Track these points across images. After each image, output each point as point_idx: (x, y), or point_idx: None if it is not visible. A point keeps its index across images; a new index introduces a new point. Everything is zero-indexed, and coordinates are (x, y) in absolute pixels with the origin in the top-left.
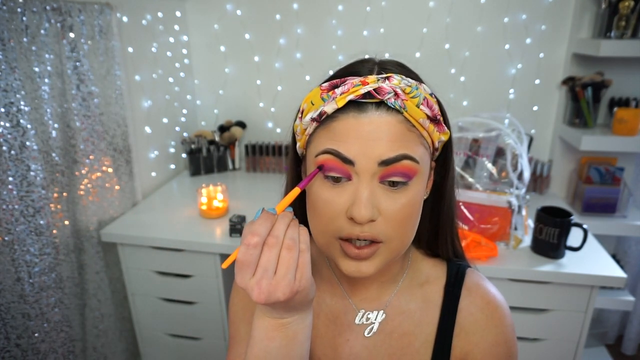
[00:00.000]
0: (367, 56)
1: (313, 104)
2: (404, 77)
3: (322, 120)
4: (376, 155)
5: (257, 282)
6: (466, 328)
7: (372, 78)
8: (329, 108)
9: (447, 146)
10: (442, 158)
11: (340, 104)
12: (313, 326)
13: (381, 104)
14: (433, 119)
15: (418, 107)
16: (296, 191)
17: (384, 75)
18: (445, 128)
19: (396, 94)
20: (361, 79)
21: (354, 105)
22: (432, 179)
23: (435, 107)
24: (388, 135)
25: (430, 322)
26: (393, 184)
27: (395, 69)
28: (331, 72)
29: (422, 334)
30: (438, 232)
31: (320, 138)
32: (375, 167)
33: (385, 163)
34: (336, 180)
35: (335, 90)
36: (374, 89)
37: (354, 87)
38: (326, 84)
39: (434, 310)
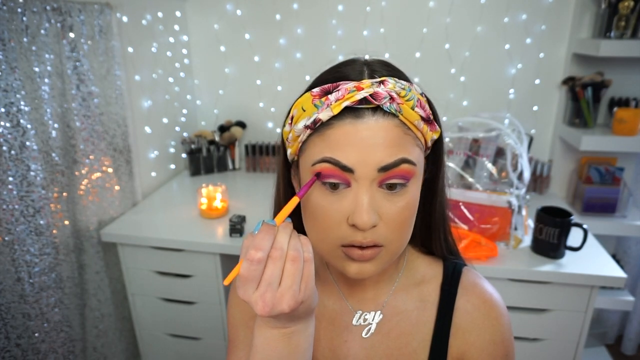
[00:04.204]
0: (352, 56)
1: (304, 110)
2: (397, 79)
3: (317, 127)
4: (375, 162)
5: (261, 295)
6: (463, 327)
7: (366, 83)
8: (324, 115)
9: (438, 143)
10: (434, 156)
11: (336, 110)
12: None
13: (377, 109)
14: (426, 120)
15: (413, 110)
16: (295, 200)
17: (379, 79)
18: (437, 126)
19: (392, 98)
20: (355, 84)
21: (350, 111)
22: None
23: (427, 107)
24: (386, 141)
25: (427, 321)
26: (390, 187)
27: (384, 70)
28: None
29: (419, 333)
30: (431, 228)
31: (316, 146)
32: (375, 174)
33: (384, 169)
34: (334, 186)
35: (329, 96)
36: (370, 95)
37: (349, 93)
38: (317, 90)
39: (431, 309)
